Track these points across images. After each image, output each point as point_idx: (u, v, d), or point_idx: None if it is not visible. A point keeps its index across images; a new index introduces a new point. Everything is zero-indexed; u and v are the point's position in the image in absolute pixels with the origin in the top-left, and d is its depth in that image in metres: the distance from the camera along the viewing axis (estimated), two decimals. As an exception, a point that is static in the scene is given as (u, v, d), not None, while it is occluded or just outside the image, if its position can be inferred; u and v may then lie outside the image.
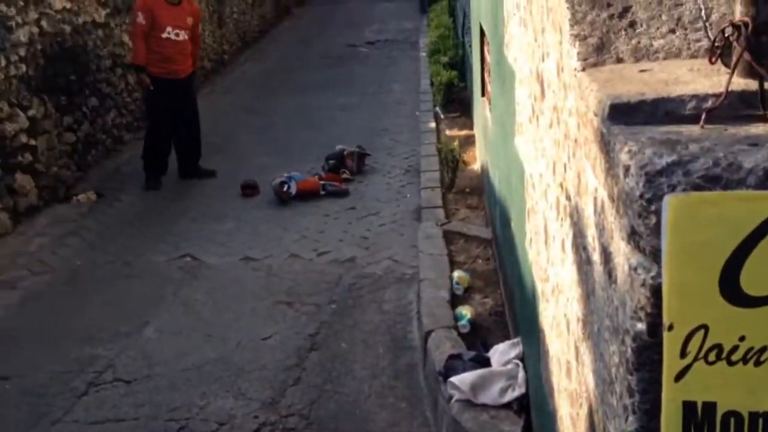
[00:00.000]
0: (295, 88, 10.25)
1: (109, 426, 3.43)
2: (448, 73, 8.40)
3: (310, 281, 4.87)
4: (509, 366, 3.02)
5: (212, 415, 3.47)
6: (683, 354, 1.16)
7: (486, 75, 5.22)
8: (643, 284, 1.25)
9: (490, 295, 4.13)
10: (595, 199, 1.58)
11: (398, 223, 5.73)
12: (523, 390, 2.89)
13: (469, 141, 6.98)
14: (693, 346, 1.15)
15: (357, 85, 10.31)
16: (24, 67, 6.10)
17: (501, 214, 4.03)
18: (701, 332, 1.14)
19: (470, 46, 7.40)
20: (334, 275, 4.94)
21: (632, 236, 1.31)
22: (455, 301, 4.06)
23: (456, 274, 4.25)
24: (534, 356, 2.75)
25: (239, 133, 7.30)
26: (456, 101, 8.30)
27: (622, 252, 1.36)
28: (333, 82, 10.51)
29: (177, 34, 6.51)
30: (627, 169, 1.31)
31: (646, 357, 1.30)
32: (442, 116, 8.07)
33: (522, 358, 3.06)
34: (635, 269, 1.29)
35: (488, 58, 4.83)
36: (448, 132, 7.52)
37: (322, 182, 6.43)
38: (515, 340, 3.21)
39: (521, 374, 2.95)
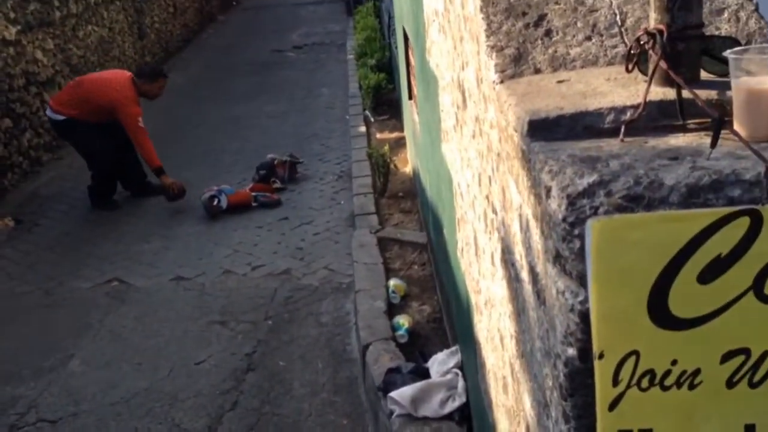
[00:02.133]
0: (222, 97, 10.03)
1: (34, 471, 3.25)
2: (376, 75, 8.34)
3: (244, 297, 4.74)
4: (449, 376, 2.97)
5: (146, 451, 3.32)
6: (615, 382, 1.11)
7: (412, 78, 5.18)
8: (572, 309, 1.21)
9: (428, 302, 4.09)
10: (520, 216, 1.54)
11: (332, 231, 5.65)
12: (463, 399, 2.85)
13: (400, 143, 6.95)
14: (625, 373, 1.11)
15: (285, 91, 10.16)
16: (-73, 90, 5.77)
17: (434, 220, 3.99)
18: (632, 358, 1.10)
19: (396, 48, 7.37)
20: (269, 289, 4.83)
21: (557, 259, 1.26)
22: (392, 310, 4.00)
23: (392, 282, 4.19)
24: (472, 366, 2.71)
25: (165, 145, 7.01)
26: (385, 103, 8.26)
27: (549, 274, 1.31)
28: (260, 89, 10.34)
29: None
30: (548, 190, 1.26)
31: (579, 382, 1.26)
32: (372, 119, 8.02)
33: (461, 366, 3.02)
34: (563, 293, 1.24)
35: (413, 61, 4.78)
36: (378, 135, 7.47)
37: (253, 194, 6.28)
38: (453, 348, 3.17)
39: (461, 383, 2.90)
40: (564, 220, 1.19)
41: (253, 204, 6.20)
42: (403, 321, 3.76)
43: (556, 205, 1.22)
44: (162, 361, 4.03)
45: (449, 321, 3.59)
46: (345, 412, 3.51)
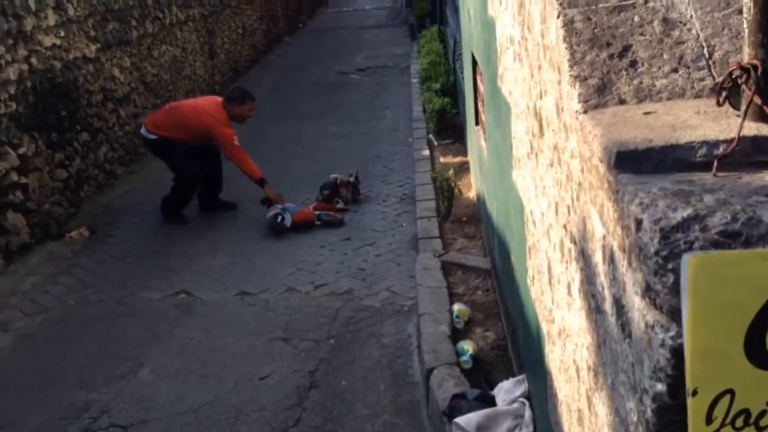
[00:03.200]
0: (287, 117, 10.23)
1: (105, 476, 3.34)
2: (441, 99, 8.39)
3: (307, 316, 4.80)
4: (515, 405, 2.95)
5: (211, 462, 3.39)
6: (709, 420, 1.10)
7: (480, 104, 5.19)
8: (663, 344, 1.20)
9: (491, 328, 4.07)
10: (604, 247, 1.54)
11: (395, 253, 5.68)
12: (530, 429, 2.83)
13: (463, 168, 6.96)
14: (719, 412, 1.10)
15: (349, 113, 10.30)
16: (14, 105, 6.06)
17: (500, 246, 3.97)
18: (727, 397, 1.09)
19: (462, 72, 7.40)
20: (331, 309, 4.87)
21: (647, 292, 1.26)
22: (456, 335, 3.99)
23: (456, 307, 4.19)
24: (540, 396, 2.68)
25: (231, 164, 7.19)
26: (449, 127, 8.29)
27: (636, 307, 1.31)
28: (325, 110, 10.50)
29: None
30: (639, 222, 1.26)
31: (668, 419, 1.24)
32: (435, 143, 8.05)
33: (528, 396, 3.00)
34: (652, 327, 1.23)
35: (481, 87, 4.80)
36: (442, 159, 7.50)
37: (316, 212, 6.38)
38: (520, 377, 3.14)
39: (528, 413, 2.88)
40: (657, 253, 1.19)
41: (317, 222, 6.29)
42: (468, 347, 3.75)
43: (648, 237, 1.22)
44: (227, 375, 4.11)
45: (515, 349, 3.56)
46: (407, 435, 3.51)
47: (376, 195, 7.00)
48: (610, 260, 1.48)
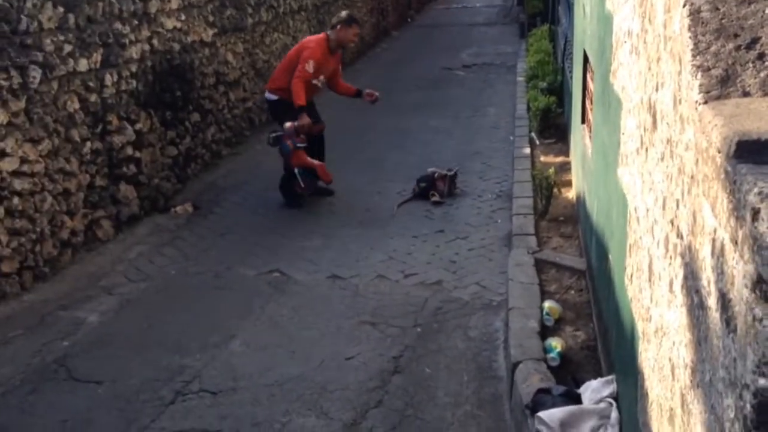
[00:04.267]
0: (389, 109, 10.29)
1: (193, 436, 3.49)
2: (546, 98, 8.25)
3: (395, 303, 4.84)
4: (602, 404, 2.88)
5: (294, 433, 3.48)
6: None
7: (587, 102, 5.08)
8: (770, 337, 1.15)
9: (582, 329, 3.98)
10: (713, 240, 1.48)
11: (487, 249, 5.64)
12: (616, 430, 2.75)
13: (564, 168, 6.82)
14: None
15: (451, 108, 10.28)
16: (134, 83, 6.39)
17: (597, 246, 3.88)
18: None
19: (570, 72, 7.25)
20: (420, 298, 4.90)
21: (758, 284, 1.21)
22: (545, 332, 3.93)
23: (547, 304, 4.12)
24: (630, 397, 2.61)
25: (331, 151, 7.36)
26: (552, 127, 8.14)
27: (744, 300, 1.26)
28: (427, 104, 10.52)
29: (322, 82, 6.60)
30: (756, 212, 1.21)
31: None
32: (537, 142, 7.93)
33: (616, 397, 2.92)
34: (760, 320, 1.18)
35: (591, 85, 4.70)
36: (543, 158, 7.38)
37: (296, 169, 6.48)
38: (609, 377, 3.06)
39: (614, 414, 2.80)
40: (773, 243, 1.15)
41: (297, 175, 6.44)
42: (556, 344, 3.68)
43: (765, 227, 1.17)
44: (314, 352, 4.21)
45: (605, 350, 3.48)
46: (488, 427, 3.48)
47: (473, 190, 6.96)
48: (720, 254, 1.43)
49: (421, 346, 4.28)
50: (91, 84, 5.79)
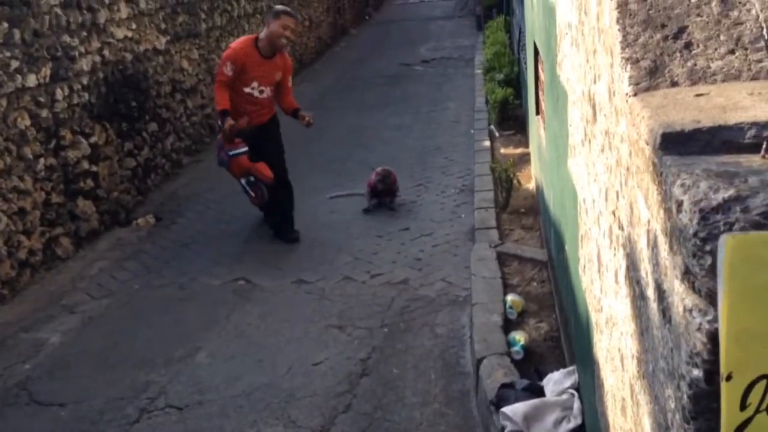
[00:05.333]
0: (350, 108, 10.30)
1: (160, 453, 3.45)
2: (504, 90, 8.29)
3: (362, 304, 4.83)
4: (564, 396, 2.90)
5: (262, 443, 3.45)
6: (743, 406, 1.06)
7: (540, 93, 5.12)
8: (699, 329, 1.16)
9: (545, 320, 4.01)
10: (648, 231, 1.50)
11: (452, 244, 5.66)
12: (579, 421, 2.78)
13: (524, 159, 6.87)
14: (754, 398, 1.06)
15: (411, 104, 10.30)
16: (87, 96, 6.29)
17: (555, 237, 3.91)
18: (763, 382, 1.05)
19: (525, 62, 7.30)
20: (386, 298, 4.89)
21: (686, 276, 1.22)
22: (508, 325, 3.95)
23: (509, 297, 4.14)
24: (589, 387, 2.63)
25: (293, 153, 7.32)
26: (511, 119, 8.19)
27: (676, 291, 1.27)
28: (387, 102, 10.53)
29: (261, 91, 5.71)
30: (680, 204, 1.22)
31: (704, 405, 1.21)
32: (497, 134, 7.98)
33: (577, 387, 2.95)
34: (690, 311, 1.20)
35: (542, 76, 4.73)
36: (503, 150, 7.42)
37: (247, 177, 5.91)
38: (570, 368, 3.09)
39: (576, 405, 2.83)
40: (695, 234, 1.16)
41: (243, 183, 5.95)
42: (519, 337, 3.70)
43: (687, 219, 1.18)
44: (281, 360, 4.18)
45: (567, 340, 3.51)
46: (456, 425, 3.49)
47: (436, 186, 6.98)
48: (654, 245, 1.44)
49: (389, 346, 4.28)
50: (41, 99, 5.69)
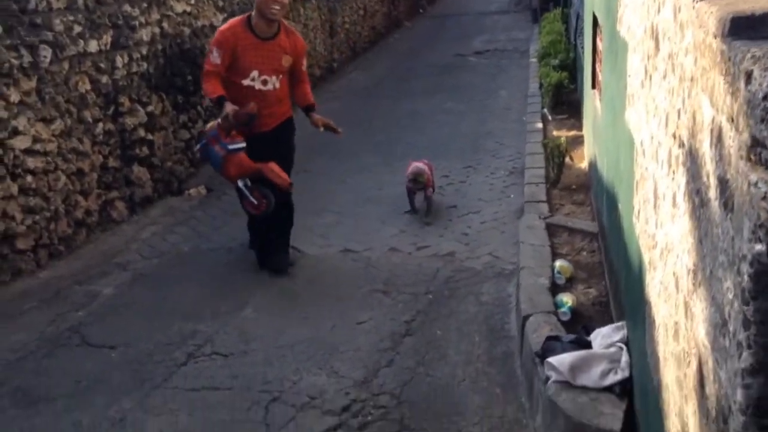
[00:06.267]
0: (403, 96, 10.28)
1: (204, 393, 3.50)
2: (558, 74, 8.19)
3: (407, 273, 4.82)
4: (612, 349, 2.84)
5: (304, 390, 3.47)
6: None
7: (597, 65, 5.04)
8: (765, 197, 1.13)
9: (594, 286, 3.94)
10: (712, 130, 1.46)
11: (500, 221, 5.60)
12: (626, 374, 2.72)
13: (577, 141, 6.76)
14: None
15: (464, 92, 10.24)
16: (145, 65, 6.42)
17: (608, 201, 3.84)
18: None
19: (582, 47, 7.20)
20: (432, 268, 4.87)
21: (752, 149, 1.18)
22: (556, 290, 3.89)
23: (558, 263, 4.08)
24: (639, 339, 2.57)
25: (344, 135, 7.35)
26: (565, 103, 8.08)
27: (741, 171, 1.24)
28: (440, 90, 10.49)
29: (264, 82, 4.62)
30: (749, 75, 1.19)
31: (765, 283, 1.17)
32: (549, 118, 7.88)
33: (626, 342, 2.88)
34: (755, 184, 1.16)
35: (600, 46, 4.66)
36: (555, 133, 7.32)
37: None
38: (620, 323, 3.02)
39: (624, 358, 2.77)
40: (765, 98, 1.12)
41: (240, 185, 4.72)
42: (567, 299, 3.64)
43: (757, 85, 1.15)
44: (326, 317, 4.20)
45: (616, 303, 3.44)
46: (498, 383, 3.46)
47: (485, 168, 6.92)
48: (717, 140, 1.40)
49: (433, 310, 4.27)
50: (101, 65, 5.83)
